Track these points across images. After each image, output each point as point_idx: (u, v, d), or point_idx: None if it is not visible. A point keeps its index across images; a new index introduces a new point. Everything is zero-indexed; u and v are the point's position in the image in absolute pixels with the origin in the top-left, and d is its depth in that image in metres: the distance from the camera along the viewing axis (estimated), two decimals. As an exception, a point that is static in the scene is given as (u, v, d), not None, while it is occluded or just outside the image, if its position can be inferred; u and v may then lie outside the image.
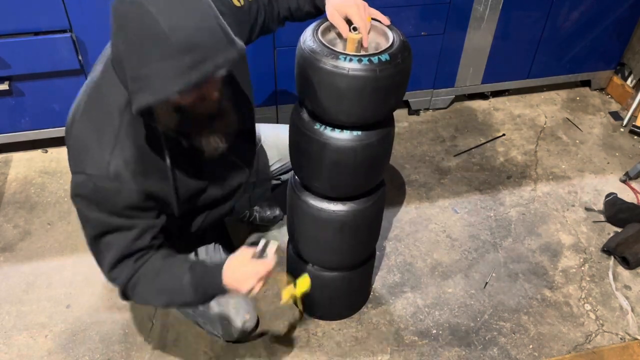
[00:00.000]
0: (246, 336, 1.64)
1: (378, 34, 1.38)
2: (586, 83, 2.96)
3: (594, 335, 1.83)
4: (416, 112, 2.74)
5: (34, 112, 2.26)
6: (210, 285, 1.27)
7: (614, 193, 2.26)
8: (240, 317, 1.57)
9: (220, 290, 1.27)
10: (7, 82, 2.12)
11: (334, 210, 1.51)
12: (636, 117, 2.67)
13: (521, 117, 2.76)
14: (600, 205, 2.27)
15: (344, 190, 1.49)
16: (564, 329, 1.84)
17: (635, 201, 2.28)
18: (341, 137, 1.36)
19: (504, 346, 1.78)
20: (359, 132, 1.37)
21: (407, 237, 2.13)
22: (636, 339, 1.82)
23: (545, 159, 2.51)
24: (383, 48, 1.30)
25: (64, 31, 2.06)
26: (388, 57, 1.26)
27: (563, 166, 2.48)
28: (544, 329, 1.84)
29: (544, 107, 2.83)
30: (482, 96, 2.86)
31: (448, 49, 2.52)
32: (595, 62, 2.81)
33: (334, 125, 1.37)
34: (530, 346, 1.79)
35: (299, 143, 1.45)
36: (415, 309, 1.88)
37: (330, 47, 1.29)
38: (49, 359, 1.71)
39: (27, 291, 1.89)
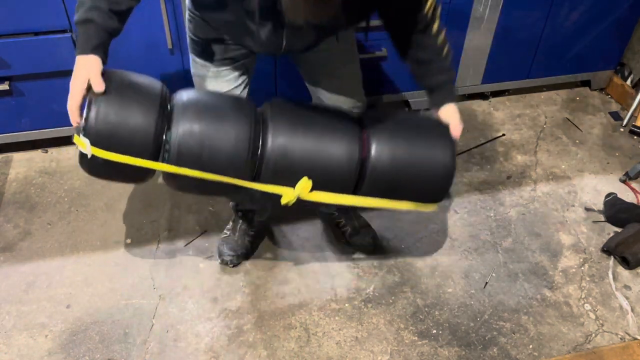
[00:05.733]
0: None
1: None
2: (586, 83, 2.95)
3: (593, 335, 1.83)
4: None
5: (34, 112, 2.26)
6: None
7: (614, 193, 2.26)
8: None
9: None
10: (7, 82, 2.12)
11: None
12: (636, 117, 2.67)
13: (521, 117, 2.76)
14: (600, 205, 2.27)
15: None
16: (564, 329, 1.84)
17: (635, 201, 2.28)
18: None
19: (504, 346, 1.78)
20: None
21: (407, 237, 2.13)
22: (636, 339, 1.82)
23: (545, 159, 2.51)
24: None
25: (64, 31, 2.05)
26: None
27: (563, 166, 2.48)
28: (543, 329, 1.84)
29: (544, 107, 2.83)
30: (482, 96, 2.86)
31: (448, 49, 2.52)
32: (595, 62, 2.80)
33: None
34: (530, 346, 1.79)
35: None
36: (415, 309, 1.88)
37: None
38: (49, 359, 1.71)
39: (27, 291, 1.89)
